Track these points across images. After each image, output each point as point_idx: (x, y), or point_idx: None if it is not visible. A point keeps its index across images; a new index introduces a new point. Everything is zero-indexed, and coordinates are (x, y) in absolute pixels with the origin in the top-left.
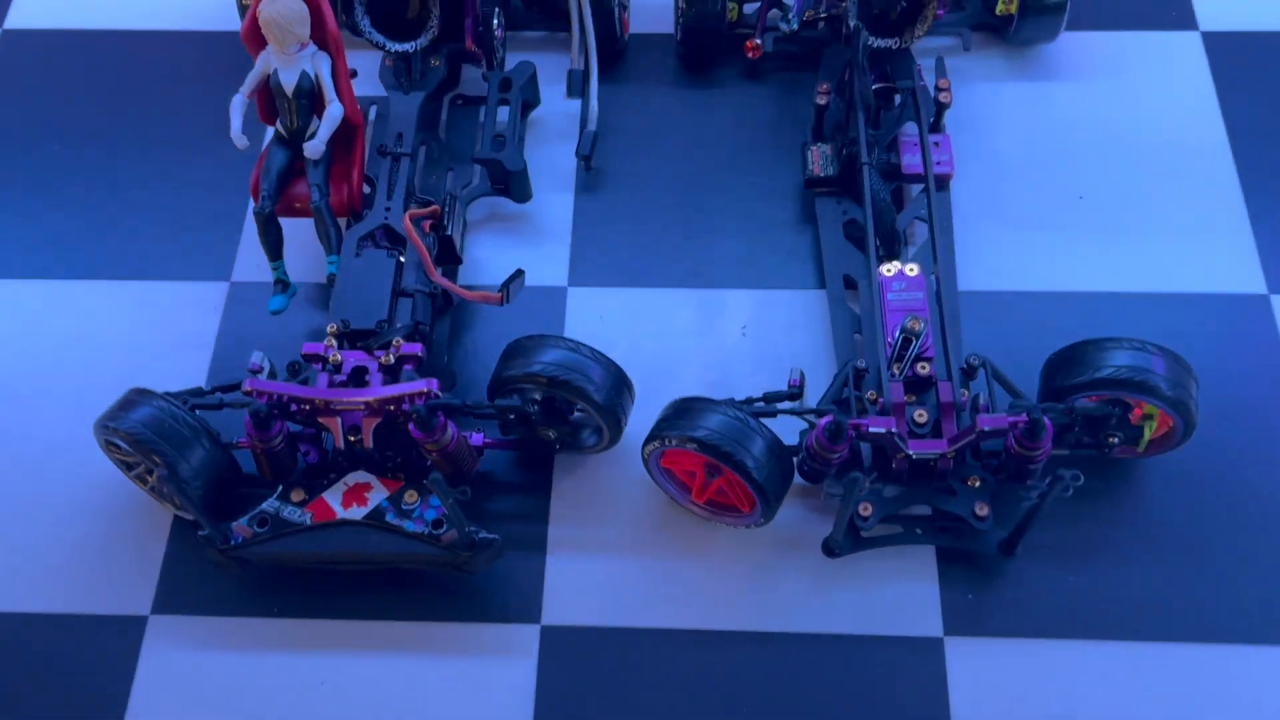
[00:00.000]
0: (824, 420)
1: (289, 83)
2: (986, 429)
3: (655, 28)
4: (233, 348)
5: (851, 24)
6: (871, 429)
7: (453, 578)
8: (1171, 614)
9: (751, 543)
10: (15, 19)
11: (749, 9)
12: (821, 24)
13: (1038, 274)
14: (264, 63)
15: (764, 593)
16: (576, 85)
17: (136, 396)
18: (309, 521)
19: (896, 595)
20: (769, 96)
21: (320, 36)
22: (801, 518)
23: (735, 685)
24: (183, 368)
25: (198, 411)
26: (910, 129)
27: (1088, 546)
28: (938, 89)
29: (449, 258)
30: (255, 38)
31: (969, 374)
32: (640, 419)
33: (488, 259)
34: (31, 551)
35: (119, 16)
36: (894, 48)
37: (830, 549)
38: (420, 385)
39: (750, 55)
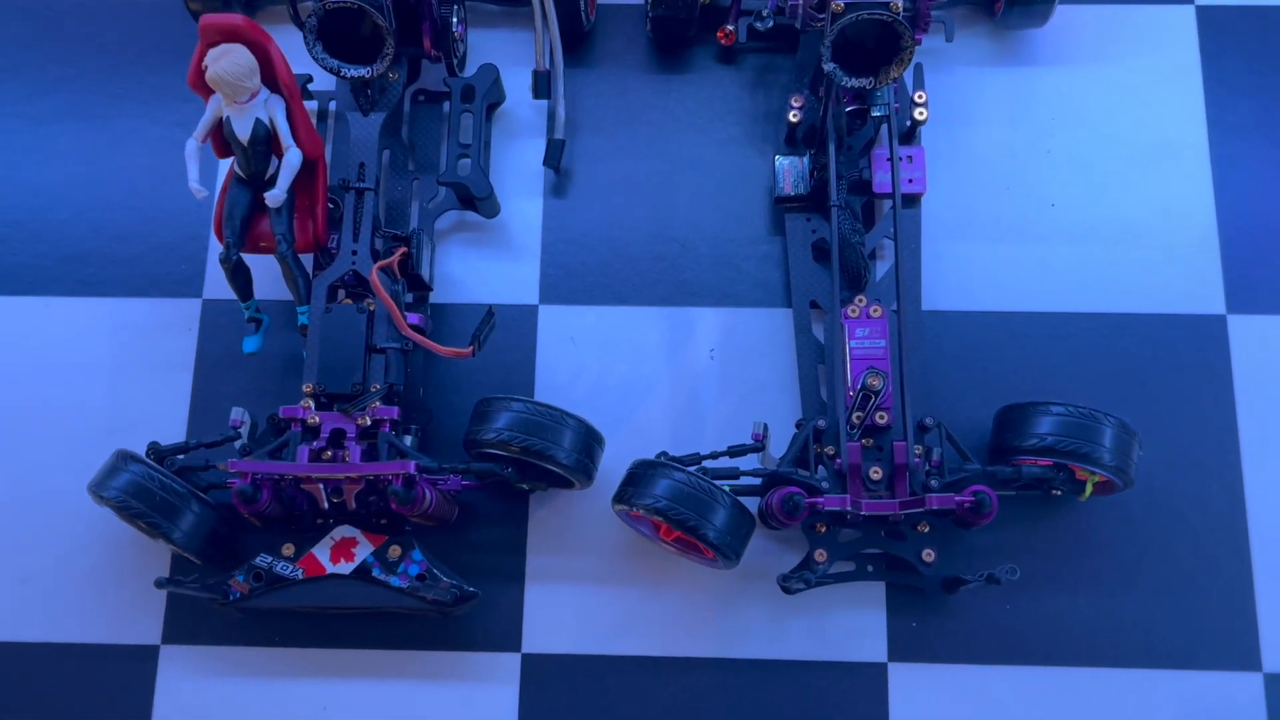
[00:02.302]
0: (783, 492)
1: (243, 132)
2: (935, 507)
3: None
4: (212, 373)
5: (825, 68)
6: (826, 509)
7: None
8: (1103, 641)
9: (714, 574)
10: None
11: None
12: (790, 14)
13: (1004, 293)
14: (215, 108)
15: (725, 621)
16: (543, 87)
17: (121, 463)
18: (300, 576)
19: (846, 623)
20: (743, 83)
21: (270, 76)
22: (762, 548)
23: (697, 710)
24: (163, 394)
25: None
26: (883, 139)
27: (1027, 577)
28: (913, 104)
29: (419, 286)
30: (204, 85)
31: (924, 430)
32: (613, 447)
33: (457, 274)
34: (37, 582)
35: None
36: (868, 87)
37: (787, 587)
38: (398, 468)
39: (724, 42)
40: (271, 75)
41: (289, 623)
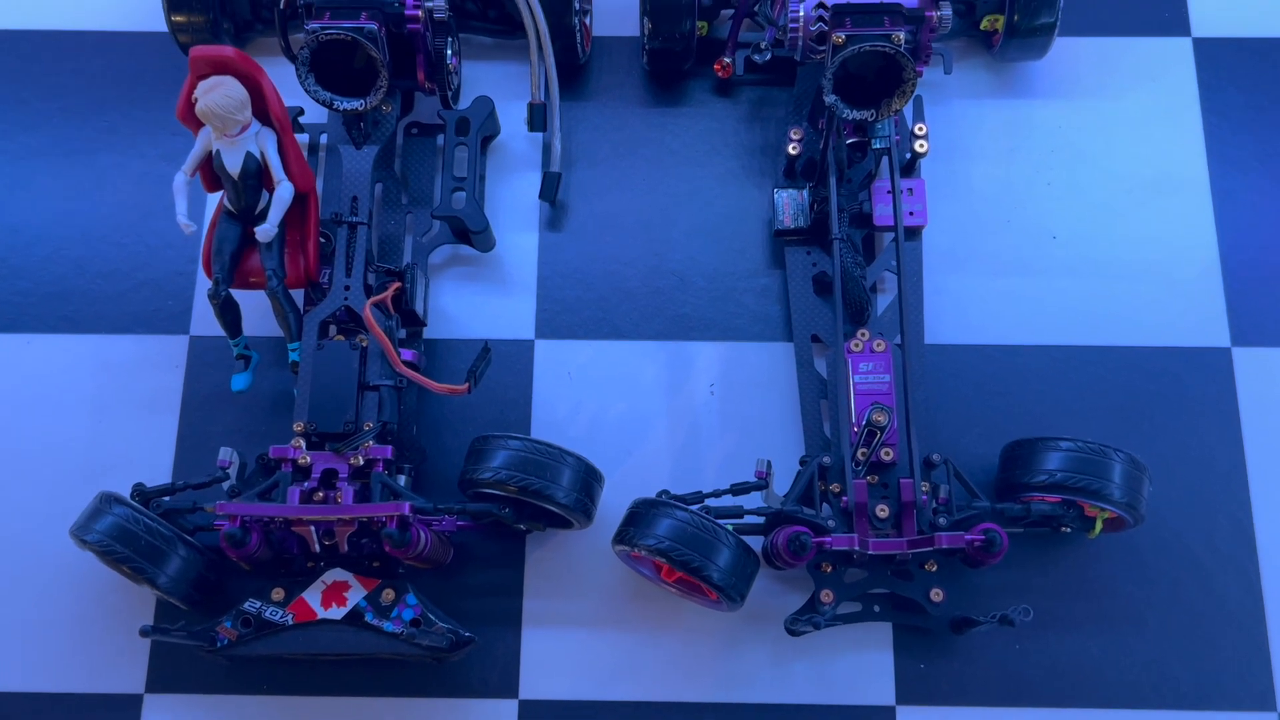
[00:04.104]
0: (788, 531)
1: (234, 166)
2: (945, 546)
3: (620, 29)
4: (199, 411)
5: (826, 100)
6: (834, 548)
7: None
8: (1114, 682)
9: (718, 617)
10: None
11: (721, 17)
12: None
13: (1007, 326)
14: (205, 142)
15: (728, 664)
16: (538, 120)
17: (105, 505)
18: (290, 622)
19: (853, 665)
20: (741, 116)
21: (261, 109)
22: (766, 590)
23: None
24: (149, 433)
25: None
26: (884, 172)
27: (1035, 617)
28: (914, 136)
29: (413, 321)
30: (193, 118)
31: (930, 466)
32: (612, 485)
33: (452, 310)
34: (19, 630)
35: (53, 17)
36: (870, 119)
37: (793, 630)
38: (392, 509)
39: (720, 74)
40: (262, 107)
41: (279, 670)
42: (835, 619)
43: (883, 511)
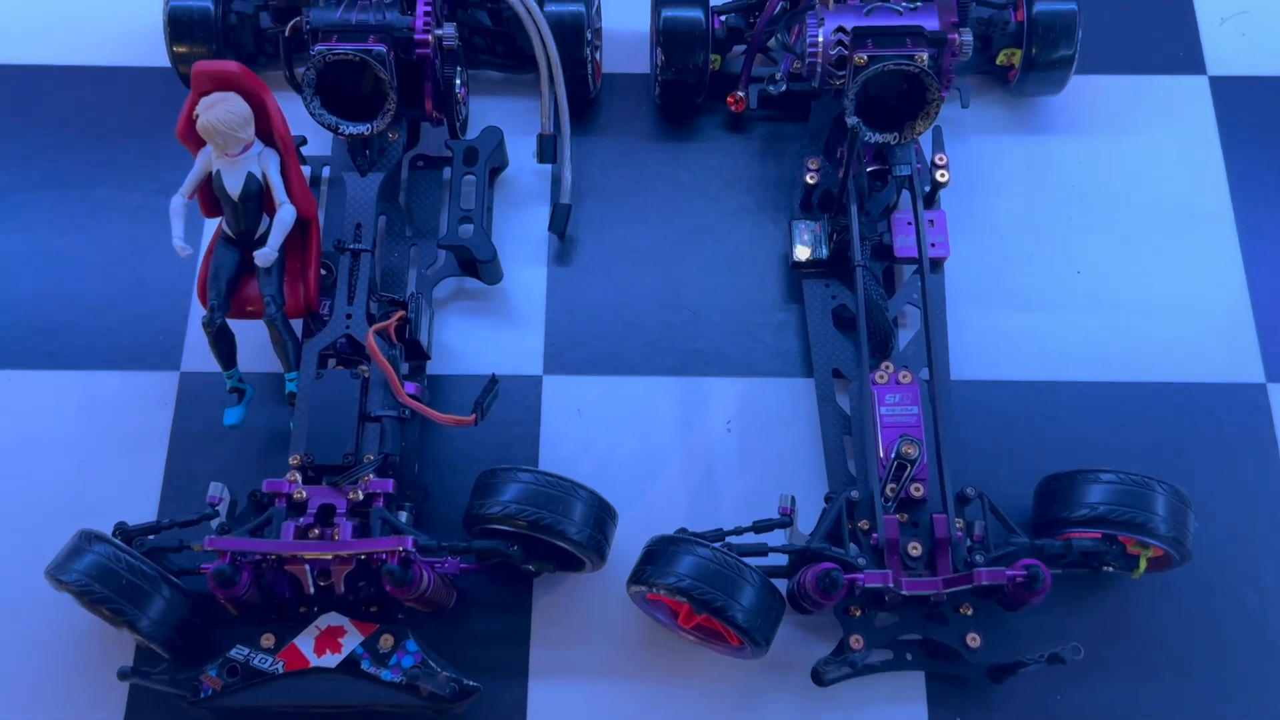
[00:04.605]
0: (818, 569)
1: (234, 187)
2: (985, 583)
3: (630, 66)
4: (188, 449)
5: (849, 122)
6: (867, 585)
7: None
8: None
9: (740, 667)
10: None
11: (733, 53)
12: (809, 83)
13: (1034, 362)
14: (205, 162)
15: (750, 717)
16: (548, 151)
17: (85, 543)
18: (281, 670)
19: (885, 718)
20: (753, 151)
21: (265, 129)
22: (791, 638)
23: None
24: (135, 472)
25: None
26: (903, 203)
27: (1075, 666)
28: (934, 166)
29: (417, 354)
30: (193, 136)
31: (963, 501)
32: (625, 525)
33: (457, 345)
34: None
35: (42, 51)
36: (893, 143)
37: (819, 677)
38: (394, 544)
39: (733, 109)
40: (266, 127)
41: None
42: (866, 667)
43: (915, 550)
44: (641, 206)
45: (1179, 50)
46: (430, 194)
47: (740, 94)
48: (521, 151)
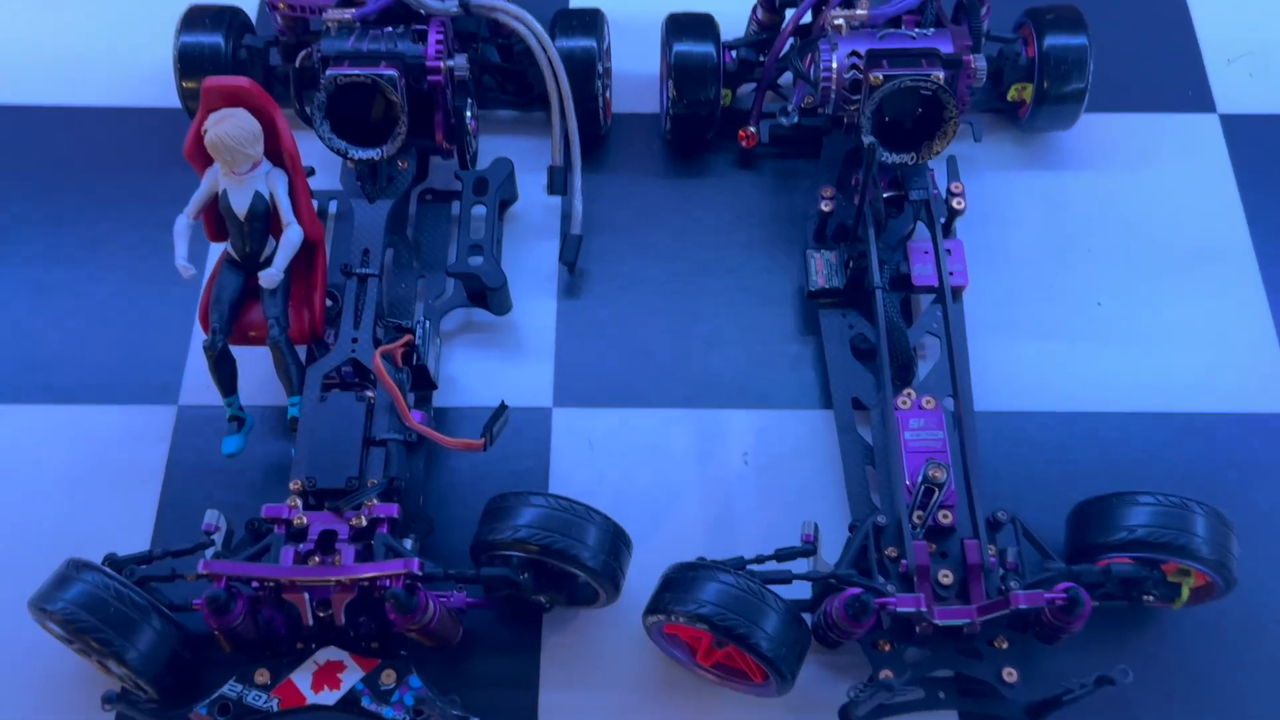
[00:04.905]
0: (846, 594)
1: (240, 206)
2: (1022, 607)
3: (639, 106)
4: (183, 484)
5: (865, 141)
6: (900, 609)
7: None
8: None
9: (762, 708)
10: None
11: (743, 90)
12: (821, 111)
13: (1058, 392)
14: (211, 182)
15: None
16: (559, 183)
17: (73, 571)
18: (275, 708)
19: None
20: (764, 187)
21: (274, 149)
22: (816, 678)
23: None
24: (127, 508)
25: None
26: (922, 230)
27: (1120, 703)
28: (950, 194)
29: (424, 383)
30: (201, 154)
31: (994, 527)
32: (639, 561)
33: (464, 377)
34: None
35: (50, 91)
36: (910, 163)
37: (848, 715)
38: (399, 566)
39: (744, 145)
40: (275, 147)
41: None
42: (894, 706)
43: (946, 578)
44: (652, 241)
45: (1188, 89)
46: (439, 228)
47: (752, 129)
48: (532, 189)
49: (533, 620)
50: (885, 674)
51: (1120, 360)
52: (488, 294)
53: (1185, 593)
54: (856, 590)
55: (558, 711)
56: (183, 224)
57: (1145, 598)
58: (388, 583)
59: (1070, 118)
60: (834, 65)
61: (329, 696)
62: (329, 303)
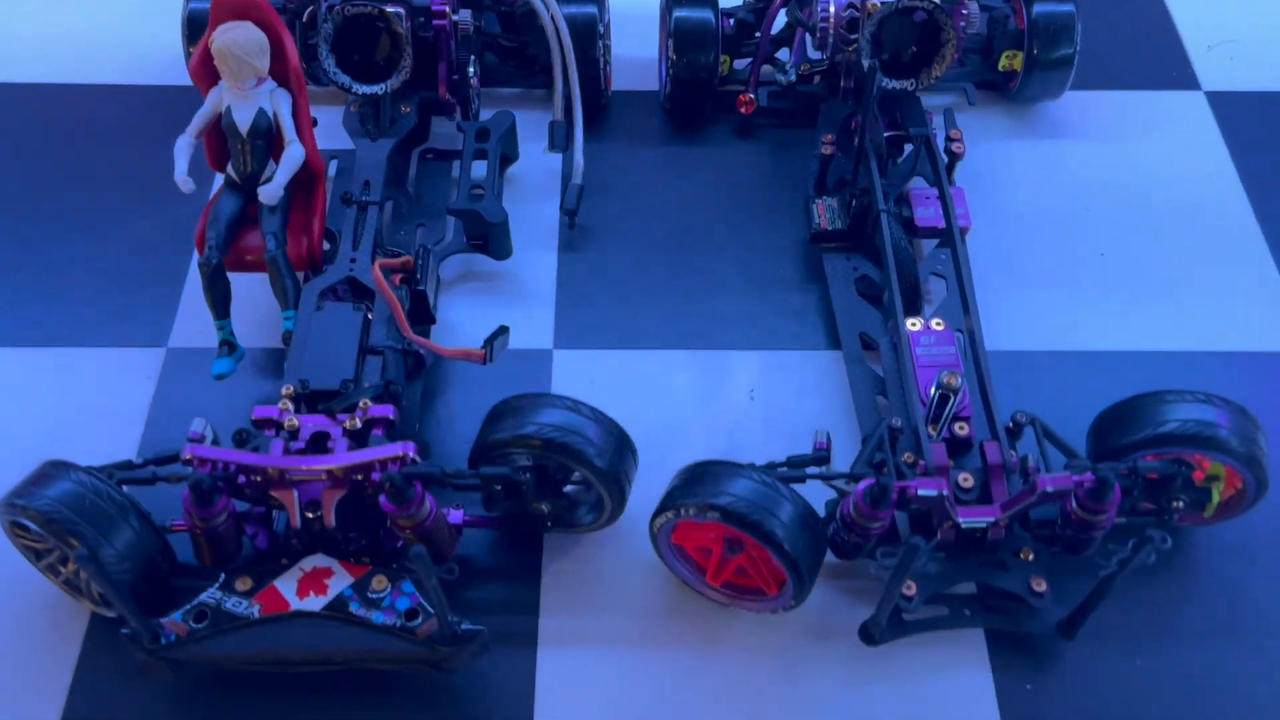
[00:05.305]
0: (865, 483)
1: (244, 121)
2: (1050, 489)
3: (638, 85)
4: (168, 421)
5: (865, 64)
6: (921, 491)
7: (428, 680)
8: (1252, 699)
9: (776, 632)
10: None
11: (740, 64)
12: (818, 79)
13: (1066, 333)
14: (215, 100)
15: (792, 688)
16: (560, 139)
17: (52, 470)
18: (257, 614)
19: (945, 687)
20: (763, 154)
21: (281, 72)
22: (832, 602)
23: None
24: (109, 445)
25: (126, 488)
26: (919, 182)
27: (1153, 628)
28: (949, 139)
29: (422, 316)
30: (206, 72)
31: (1014, 433)
32: (640, 493)
33: (463, 321)
34: None
35: (50, 70)
36: (910, 89)
37: (870, 634)
38: (395, 449)
39: (743, 111)
40: (282, 68)
41: (233, 701)
42: (920, 624)
43: (966, 481)
44: (653, 202)
45: (1172, 70)
46: (439, 184)
47: (750, 95)
48: (533, 156)
49: (533, 546)
50: (908, 586)
51: (1127, 304)
52: (489, 233)
53: (1215, 497)
54: (876, 479)
55: (559, 637)
56: (184, 142)
57: (1175, 504)
58: (382, 467)
59: (1060, 85)
60: (831, 8)
61: (314, 602)
62: (326, 246)
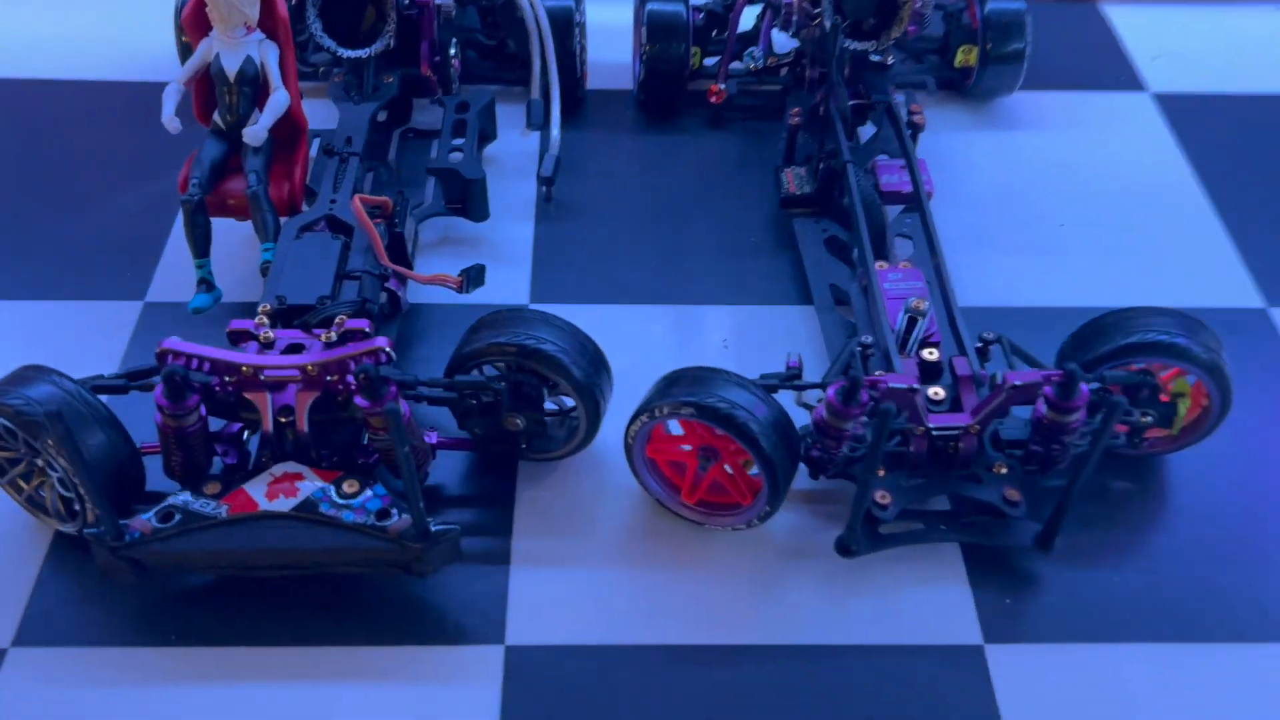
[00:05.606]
0: (836, 383)
1: (231, 68)
2: (1018, 383)
3: (614, 85)
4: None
5: (827, 23)
6: (892, 384)
7: (398, 594)
8: (1232, 610)
9: (752, 551)
10: None
11: (710, 62)
12: (784, 71)
13: (1031, 291)
14: (205, 50)
15: (770, 604)
16: (537, 116)
17: (29, 372)
18: (225, 514)
19: (924, 602)
20: (733, 143)
21: (269, 24)
22: (808, 525)
23: (742, 705)
24: None
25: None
26: (882, 152)
27: (1127, 546)
28: (911, 112)
29: (399, 260)
30: (198, 21)
31: (982, 353)
32: (615, 428)
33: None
34: None
35: (47, 67)
36: (870, 50)
37: (846, 547)
38: (369, 344)
39: (713, 100)
40: (270, 21)
41: (197, 616)
42: (896, 537)
43: (937, 394)
44: (628, 183)
45: (1120, 75)
46: (419, 161)
47: (720, 85)
48: (511, 140)
49: (506, 473)
50: (882, 494)
51: (1089, 267)
52: (467, 192)
53: (1182, 411)
54: (845, 381)
55: (531, 557)
56: (172, 88)
57: (1144, 417)
58: (358, 360)
59: (1013, 79)
60: None
61: (284, 504)
62: (305, 208)
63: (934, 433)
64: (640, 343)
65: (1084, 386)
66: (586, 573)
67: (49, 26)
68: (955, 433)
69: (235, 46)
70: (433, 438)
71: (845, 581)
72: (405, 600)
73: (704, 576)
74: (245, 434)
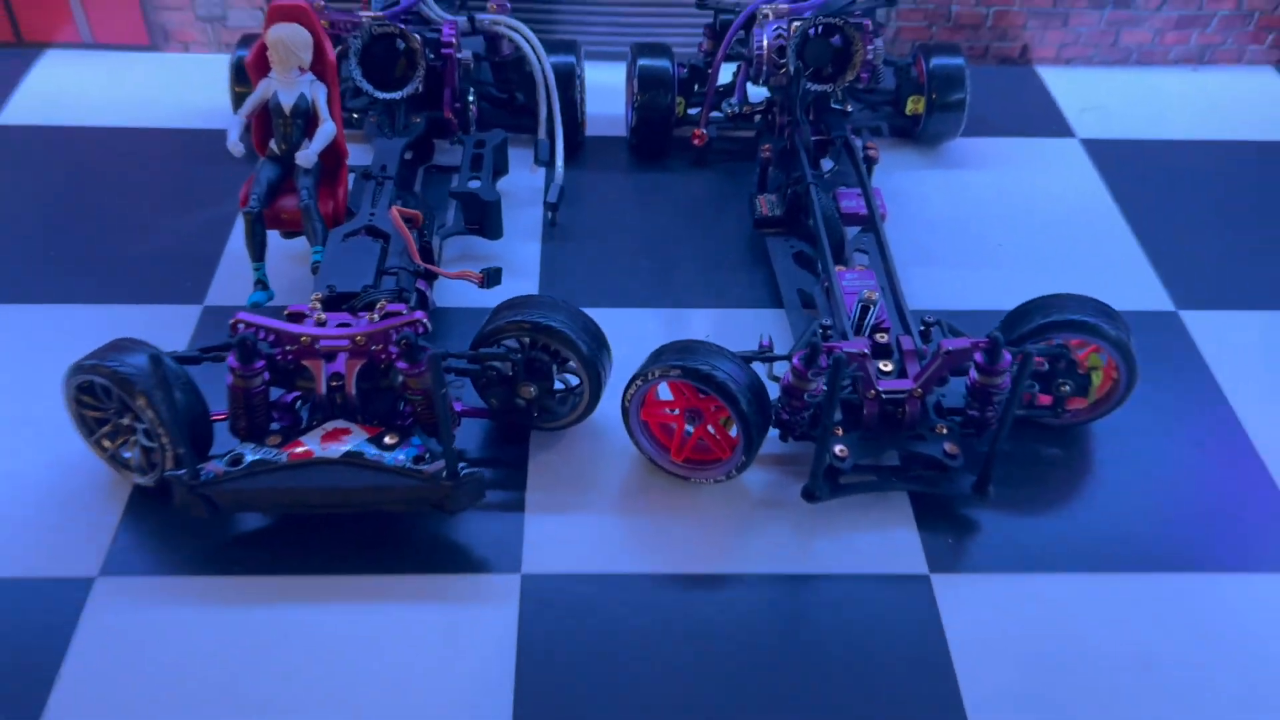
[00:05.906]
0: (800, 352)
1: (287, 103)
2: (950, 349)
3: (608, 132)
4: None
5: (791, 67)
6: (846, 349)
7: (430, 532)
8: (1141, 548)
9: (732, 500)
10: (8, 116)
11: (694, 111)
12: (757, 118)
13: (971, 297)
14: (264, 88)
15: (746, 540)
16: (544, 152)
17: (124, 342)
18: (285, 460)
19: (878, 540)
20: (715, 179)
21: (319, 68)
22: (778, 481)
23: (722, 625)
24: None
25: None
26: (841, 180)
27: (1055, 499)
28: (866, 148)
29: (427, 263)
30: (259, 65)
31: (925, 335)
32: (610, 409)
33: (458, 285)
34: None
35: (109, 114)
36: (829, 91)
37: (811, 493)
38: (408, 317)
39: (696, 144)
40: (320, 64)
41: (258, 550)
42: (853, 485)
43: (886, 366)
44: (623, 210)
45: (1051, 125)
46: (441, 192)
47: (702, 130)
48: (520, 178)
49: (521, 441)
50: (840, 449)
51: (1022, 277)
52: (483, 213)
53: (1096, 381)
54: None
55: (544, 505)
56: (236, 120)
57: (1062, 386)
58: (400, 330)
59: (956, 124)
60: (764, 41)
61: (334, 449)
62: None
63: (883, 396)
64: (634, 337)
65: (1007, 354)
66: (590, 517)
67: (119, 89)
68: (901, 396)
69: (290, 85)
70: (459, 406)
71: (810, 523)
72: (436, 536)
73: (691, 520)
74: (298, 402)
